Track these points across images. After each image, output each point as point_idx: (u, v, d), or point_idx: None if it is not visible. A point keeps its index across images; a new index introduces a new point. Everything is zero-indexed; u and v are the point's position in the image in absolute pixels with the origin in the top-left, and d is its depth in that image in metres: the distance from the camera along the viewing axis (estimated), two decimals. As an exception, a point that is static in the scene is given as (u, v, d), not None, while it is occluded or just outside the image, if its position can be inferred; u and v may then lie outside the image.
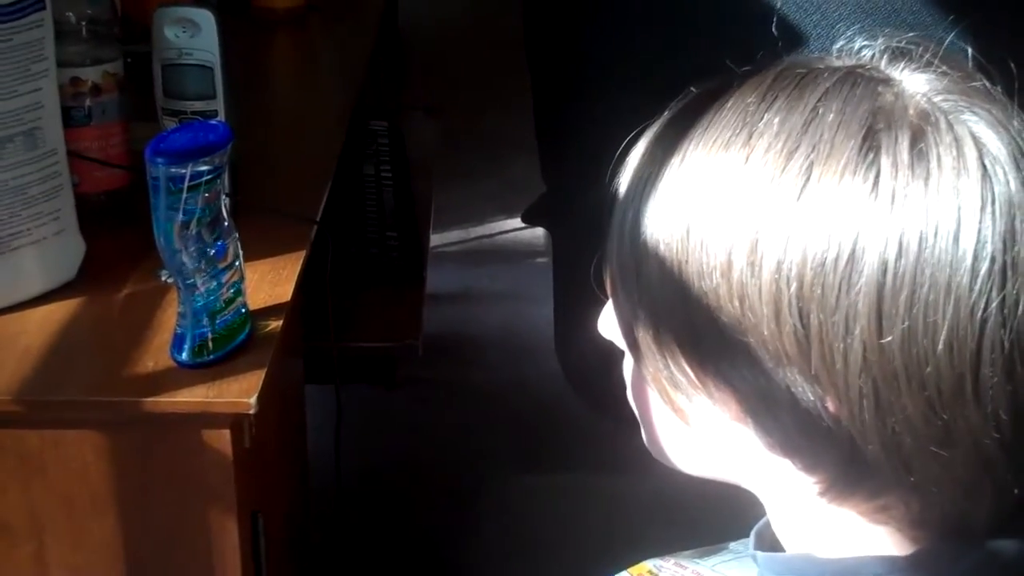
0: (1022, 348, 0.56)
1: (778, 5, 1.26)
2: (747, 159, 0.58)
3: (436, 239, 2.33)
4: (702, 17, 1.28)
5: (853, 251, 0.55)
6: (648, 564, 1.04)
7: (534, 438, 2.14)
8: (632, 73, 1.34)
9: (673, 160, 0.62)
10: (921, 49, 0.61)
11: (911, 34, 0.62)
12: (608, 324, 0.70)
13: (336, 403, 1.49)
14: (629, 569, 1.04)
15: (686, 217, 0.60)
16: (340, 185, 1.41)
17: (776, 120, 0.58)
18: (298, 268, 1.10)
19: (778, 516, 0.69)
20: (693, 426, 0.66)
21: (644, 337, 0.64)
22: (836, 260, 0.56)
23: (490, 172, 2.78)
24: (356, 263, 1.53)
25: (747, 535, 1.09)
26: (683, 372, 0.63)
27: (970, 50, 0.63)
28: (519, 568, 1.36)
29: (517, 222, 2.67)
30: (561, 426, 2.03)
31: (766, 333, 0.58)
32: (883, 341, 0.56)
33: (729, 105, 0.61)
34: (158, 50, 1.16)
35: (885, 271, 0.55)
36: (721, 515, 1.02)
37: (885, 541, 0.63)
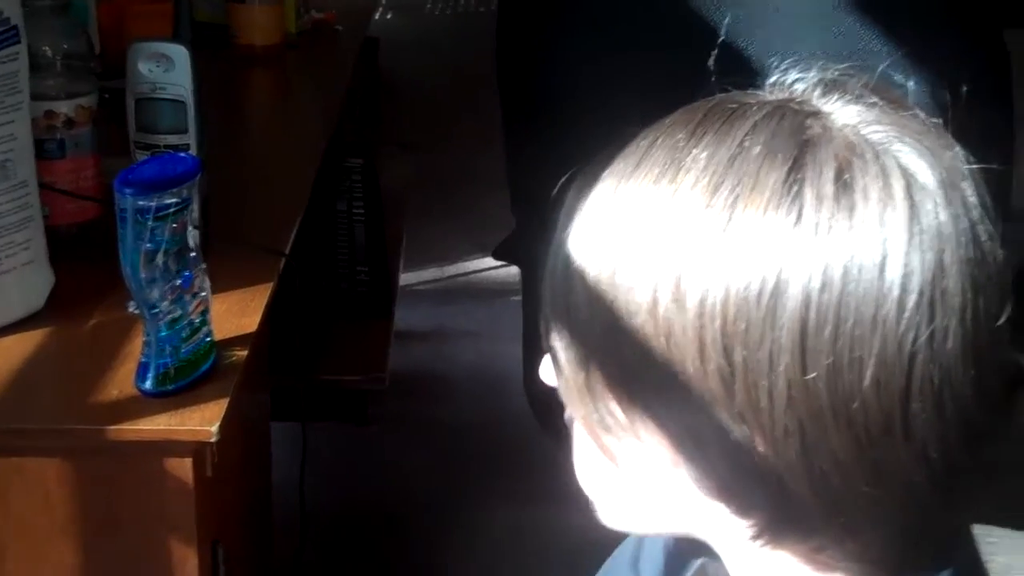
0: (952, 383, 0.55)
1: (722, 35, 1.28)
2: (674, 194, 0.58)
3: (410, 277, 2.35)
4: (653, 46, 1.31)
5: (776, 285, 0.54)
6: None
7: (504, 475, 2.15)
8: (598, 109, 1.36)
9: (603, 199, 0.61)
10: (854, 80, 0.60)
11: (844, 65, 0.61)
12: (548, 370, 0.68)
13: (302, 437, 1.50)
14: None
15: (613, 255, 0.59)
16: (312, 220, 1.43)
17: (704, 155, 0.58)
18: (265, 300, 1.11)
19: (732, 562, 0.67)
20: (623, 469, 0.64)
21: (576, 378, 0.63)
22: (759, 295, 0.55)
23: (464, 209, 2.80)
24: (325, 297, 1.54)
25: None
26: (611, 414, 0.62)
27: (911, 80, 0.63)
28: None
29: (490, 260, 2.69)
30: (531, 463, 2.04)
31: (692, 371, 0.57)
32: (807, 378, 0.54)
33: (659, 142, 0.60)
34: (132, 84, 1.17)
35: (808, 306, 0.54)
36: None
37: None
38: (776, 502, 0.58)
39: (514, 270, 2.57)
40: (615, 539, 1.38)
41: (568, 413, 0.66)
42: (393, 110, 2.83)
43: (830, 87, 0.61)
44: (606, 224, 0.60)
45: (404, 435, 2.30)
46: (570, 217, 0.63)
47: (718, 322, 0.55)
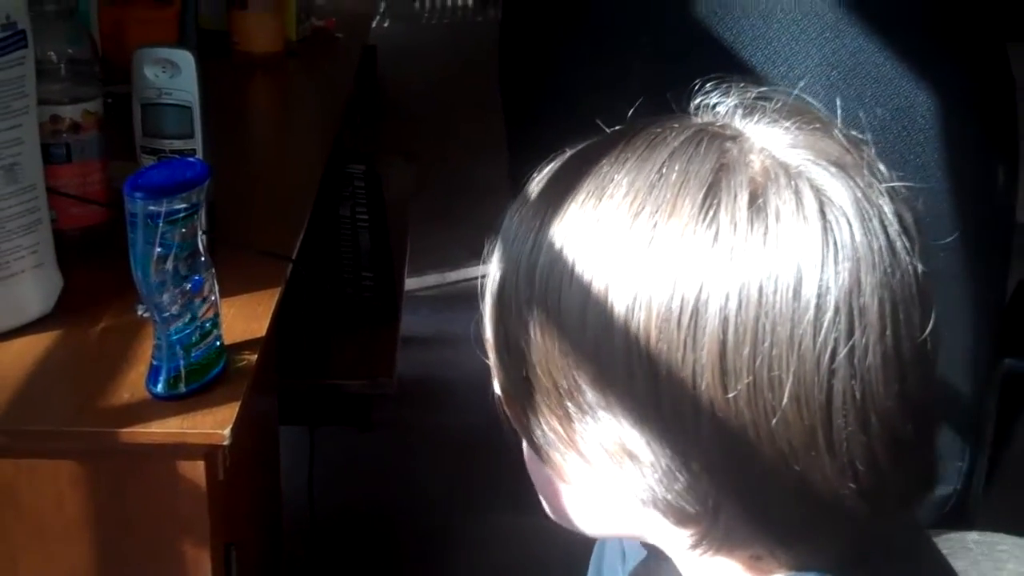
0: (875, 398, 0.56)
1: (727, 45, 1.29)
2: (598, 220, 0.59)
3: (412, 283, 2.35)
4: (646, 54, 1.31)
5: (696, 308, 0.56)
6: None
7: (508, 480, 2.14)
8: (600, 115, 1.37)
9: (532, 227, 0.62)
10: (773, 103, 0.62)
11: (763, 88, 0.63)
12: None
13: (309, 441, 1.50)
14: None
15: (543, 278, 0.61)
16: (316, 226, 1.43)
17: (625, 181, 0.59)
18: (273, 304, 1.12)
19: (681, 564, 0.68)
20: (572, 483, 0.66)
21: (516, 396, 0.65)
22: (680, 315, 0.56)
23: (466, 217, 2.80)
24: (331, 303, 1.55)
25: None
26: (553, 430, 0.63)
27: (837, 100, 0.64)
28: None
29: (492, 267, 2.69)
30: (534, 469, 2.04)
31: (621, 390, 0.59)
32: (729, 396, 0.56)
33: (585, 168, 0.62)
34: (138, 89, 1.18)
35: (727, 326, 0.55)
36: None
37: None
38: (709, 515, 0.60)
39: (515, 276, 2.58)
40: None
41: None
42: (392, 118, 2.83)
43: (750, 109, 0.62)
44: (537, 249, 0.62)
45: (408, 440, 2.30)
46: (507, 239, 0.65)
47: (643, 342, 0.57)
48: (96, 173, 1.20)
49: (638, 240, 0.58)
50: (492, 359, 0.67)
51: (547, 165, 0.66)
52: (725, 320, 0.55)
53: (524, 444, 0.70)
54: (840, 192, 0.57)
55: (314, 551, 1.80)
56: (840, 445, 0.56)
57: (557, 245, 0.61)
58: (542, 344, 0.61)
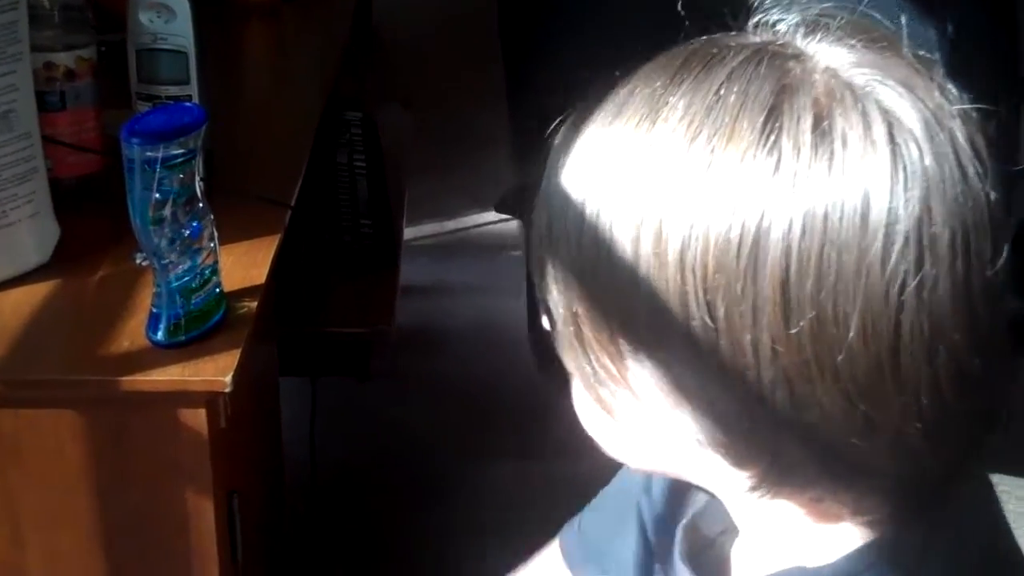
0: (944, 332, 0.54)
1: None
2: (651, 145, 0.57)
3: (409, 232, 2.34)
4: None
5: (756, 236, 0.53)
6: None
7: (507, 428, 2.15)
8: (605, 50, 1.35)
9: (584, 148, 0.60)
10: (838, 20, 0.58)
11: (829, 4, 0.59)
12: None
13: (311, 390, 1.50)
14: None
15: (594, 208, 0.58)
16: (313, 174, 1.42)
17: (681, 104, 0.56)
18: (272, 251, 1.11)
19: (734, 508, 0.67)
20: (619, 420, 0.63)
21: (566, 331, 0.62)
22: (739, 245, 0.53)
23: (464, 165, 2.79)
24: (329, 251, 1.54)
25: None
26: (603, 366, 0.61)
27: (904, 16, 0.61)
28: (490, 552, 1.37)
29: (490, 215, 2.68)
30: (533, 416, 2.04)
31: (676, 325, 0.56)
32: (791, 331, 0.53)
33: (639, 90, 0.59)
34: (133, 35, 1.16)
35: (789, 256, 0.53)
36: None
37: (852, 534, 0.61)
38: (769, 454, 0.58)
39: (513, 224, 2.56)
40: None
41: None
42: (389, 64, 2.80)
43: (812, 27, 0.59)
44: (588, 175, 0.59)
45: (406, 390, 2.30)
46: (555, 167, 0.62)
47: (699, 276, 0.54)
48: (91, 121, 1.19)
49: (694, 166, 0.55)
50: (540, 292, 0.63)
51: (596, 89, 0.62)
52: (788, 250, 0.53)
53: (573, 387, 0.67)
54: (909, 114, 0.54)
55: (315, 501, 1.80)
56: (907, 381, 0.54)
57: (608, 173, 0.58)
58: (593, 277, 0.58)
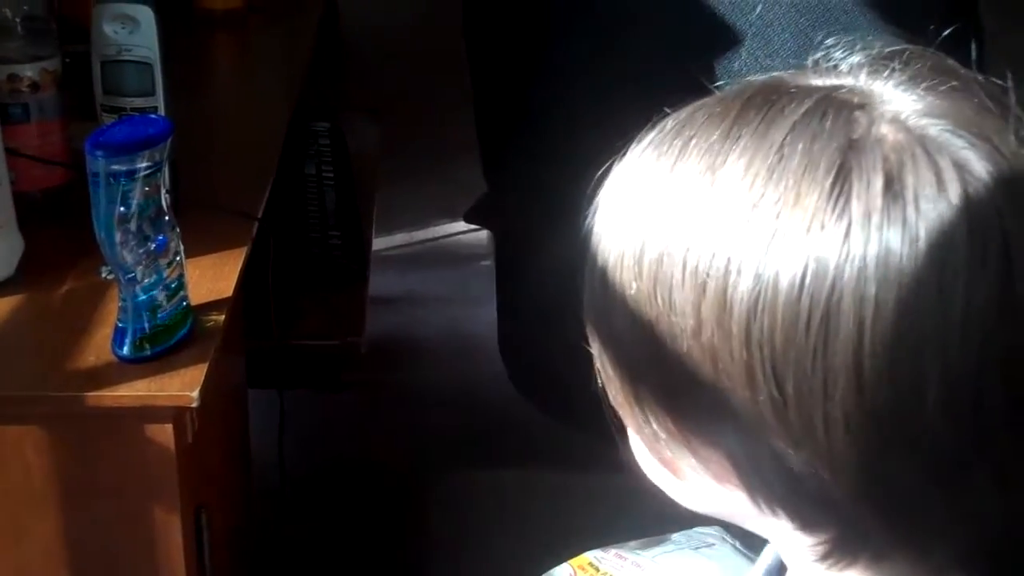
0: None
1: (714, 3, 1.28)
2: (712, 209, 0.53)
3: (379, 243, 2.33)
4: (640, 12, 1.30)
5: (827, 311, 0.50)
6: (589, 555, 1.05)
7: (477, 437, 2.14)
8: (571, 69, 1.35)
9: (638, 207, 0.57)
10: (906, 57, 0.55)
11: (895, 47, 0.56)
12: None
13: (279, 402, 1.49)
14: (570, 561, 1.05)
15: (652, 274, 0.55)
16: (281, 185, 1.41)
17: (741, 163, 0.53)
18: (240, 264, 1.10)
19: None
20: (686, 480, 0.61)
21: (624, 392, 0.59)
22: (808, 321, 0.51)
23: (432, 175, 2.79)
24: (298, 263, 1.53)
25: (689, 527, 1.10)
26: (664, 429, 0.58)
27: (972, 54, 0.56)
28: (463, 562, 1.37)
29: (460, 225, 2.67)
30: (505, 425, 2.04)
31: (742, 398, 0.53)
32: (865, 406, 0.51)
33: (694, 144, 0.55)
34: (97, 46, 1.15)
35: (863, 330, 0.50)
36: (661, 508, 1.03)
37: None
38: (843, 523, 0.55)
39: (483, 234, 2.56)
40: (586, 497, 1.39)
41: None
42: (357, 73, 2.80)
43: (876, 68, 0.55)
44: (641, 240, 0.56)
45: (378, 400, 2.29)
46: (603, 229, 0.59)
47: (767, 350, 0.52)
48: (56, 133, 1.18)
49: (758, 234, 0.52)
50: (596, 346, 0.61)
51: (646, 135, 0.59)
52: (862, 324, 0.50)
53: (631, 441, 0.64)
54: (984, 168, 0.51)
55: (285, 513, 1.79)
56: (991, 457, 0.51)
57: (667, 234, 0.55)
58: (653, 342, 0.55)
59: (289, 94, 1.65)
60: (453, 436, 2.17)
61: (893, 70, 0.55)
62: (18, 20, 1.13)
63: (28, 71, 1.14)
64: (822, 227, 0.50)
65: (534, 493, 1.50)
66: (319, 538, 1.97)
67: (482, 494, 1.94)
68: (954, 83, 0.54)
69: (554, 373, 1.28)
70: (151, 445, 0.94)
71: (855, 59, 0.56)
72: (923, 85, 0.54)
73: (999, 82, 0.54)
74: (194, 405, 0.92)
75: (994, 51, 1.35)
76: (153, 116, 1.11)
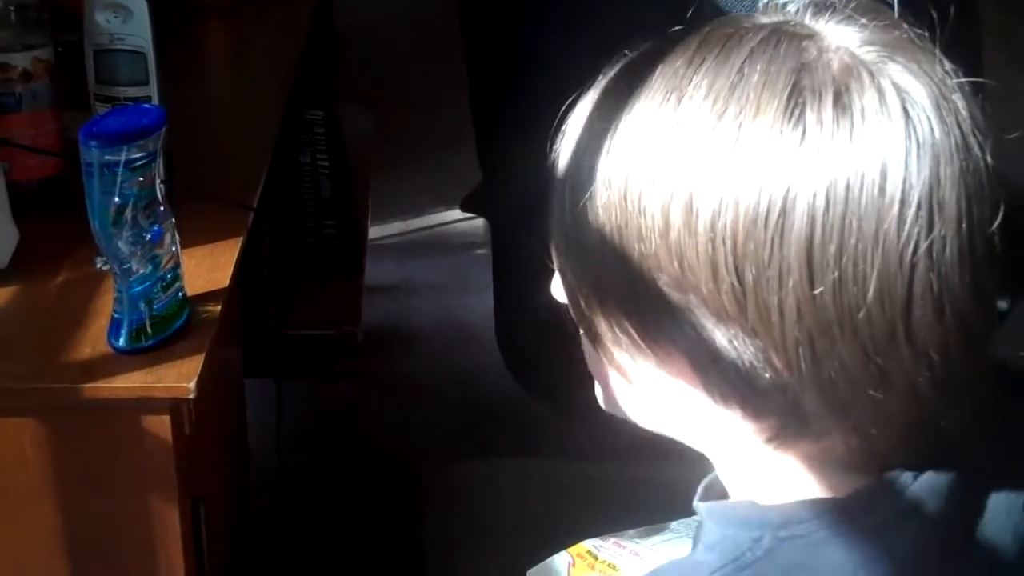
0: (951, 289, 0.58)
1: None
2: (678, 123, 0.60)
3: (374, 231, 2.33)
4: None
5: (783, 206, 0.57)
6: (587, 544, 1.05)
7: (474, 427, 2.14)
8: (566, 53, 1.34)
9: (607, 128, 0.63)
10: (844, 1, 0.62)
11: None
12: (558, 287, 0.71)
13: (276, 392, 1.48)
14: (569, 549, 1.05)
15: (622, 183, 0.62)
16: (276, 174, 1.40)
17: (704, 83, 0.60)
18: (235, 254, 1.10)
19: (725, 468, 0.71)
20: (636, 384, 0.68)
21: (587, 300, 0.66)
22: (767, 215, 0.58)
23: (427, 163, 2.78)
24: (294, 252, 1.52)
25: (688, 516, 1.10)
26: (627, 333, 0.65)
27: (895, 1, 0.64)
28: (461, 551, 1.36)
29: (455, 214, 2.67)
30: (500, 414, 2.04)
31: (705, 292, 0.60)
32: (815, 292, 0.58)
33: (658, 71, 0.62)
34: (90, 35, 1.14)
35: (814, 224, 0.57)
36: (659, 496, 1.03)
37: (823, 485, 0.65)
38: (789, 408, 0.61)
39: (479, 222, 2.56)
40: (583, 486, 1.39)
41: (579, 327, 0.69)
42: (350, 62, 2.79)
43: (820, 8, 0.63)
44: (611, 155, 0.63)
45: (374, 389, 2.29)
46: (573, 149, 0.65)
47: (729, 244, 0.58)
48: (49, 123, 1.17)
49: (722, 142, 0.59)
50: (561, 258, 0.67)
51: (611, 68, 0.66)
52: (813, 218, 0.57)
53: (586, 351, 0.71)
54: (919, 89, 0.59)
55: (282, 503, 1.79)
56: (918, 336, 0.58)
57: (635, 149, 0.61)
58: (621, 247, 0.62)
59: (283, 83, 1.64)
60: (449, 424, 2.17)
61: (834, 10, 0.62)
62: (11, 8, 1.12)
63: (20, 60, 1.13)
64: (780, 133, 0.58)
65: (531, 481, 1.50)
66: (316, 527, 1.97)
67: (479, 482, 1.94)
68: (887, 23, 0.62)
69: (550, 362, 1.28)
70: (148, 437, 0.94)
71: (801, 2, 0.64)
72: (860, 21, 0.61)
73: (921, 31, 0.62)
74: (191, 396, 0.92)
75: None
76: (147, 106, 1.10)
